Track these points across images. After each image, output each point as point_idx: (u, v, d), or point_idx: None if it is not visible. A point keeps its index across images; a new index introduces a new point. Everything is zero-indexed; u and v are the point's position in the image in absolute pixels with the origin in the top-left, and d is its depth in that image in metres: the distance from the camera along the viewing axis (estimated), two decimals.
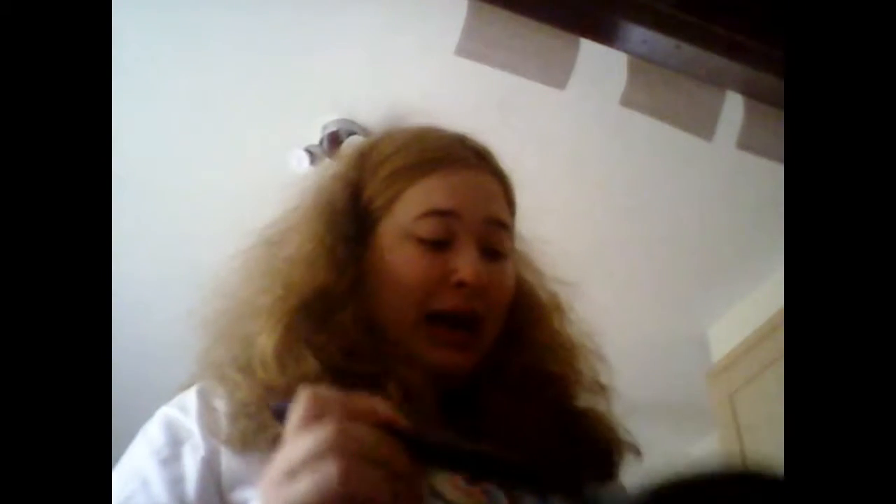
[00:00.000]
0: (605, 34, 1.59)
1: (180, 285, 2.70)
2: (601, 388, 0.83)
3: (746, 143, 1.73)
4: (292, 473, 0.48)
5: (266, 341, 0.71)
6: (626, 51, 1.62)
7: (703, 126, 1.68)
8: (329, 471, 0.47)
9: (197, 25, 1.84)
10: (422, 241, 0.76)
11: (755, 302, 2.61)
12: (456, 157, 0.81)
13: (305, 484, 0.47)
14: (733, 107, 1.71)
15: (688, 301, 2.72)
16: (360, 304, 0.75)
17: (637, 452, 0.81)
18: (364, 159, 0.83)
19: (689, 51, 1.58)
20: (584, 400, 0.82)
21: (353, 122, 2.06)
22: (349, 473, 0.47)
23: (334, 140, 2.06)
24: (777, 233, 2.23)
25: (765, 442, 2.20)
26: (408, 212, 0.78)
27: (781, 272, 2.43)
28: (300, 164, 2.05)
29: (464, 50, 1.55)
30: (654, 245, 2.48)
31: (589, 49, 1.59)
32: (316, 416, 0.49)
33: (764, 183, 2.13)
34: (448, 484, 0.67)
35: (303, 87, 1.99)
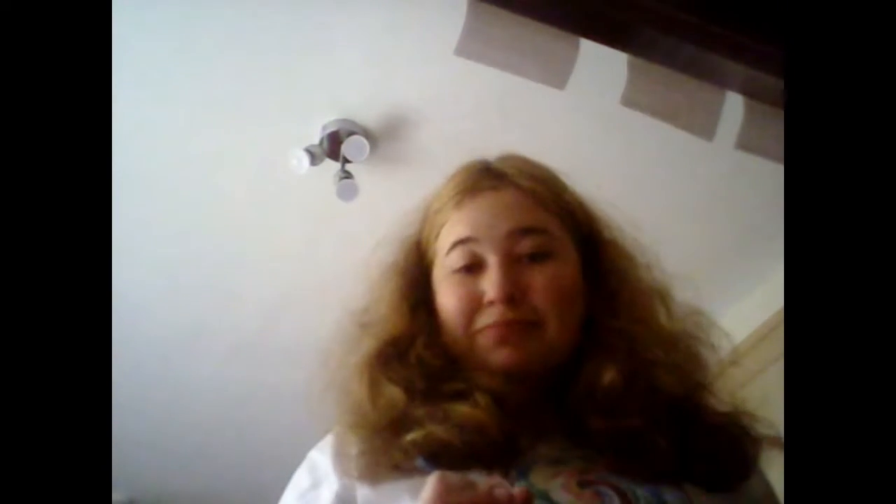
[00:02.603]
0: (605, 34, 1.59)
1: (180, 285, 2.71)
2: (709, 385, 0.89)
3: (746, 143, 1.73)
4: None
5: (357, 387, 0.83)
6: (626, 51, 1.62)
7: (703, 126, 1.68)
8: None
9: (197, 26, 1.84)
10: (456, 272, 0.85)
11: (755, 302, 2.60)
12: (473, 187, 0.88)
13: None
14: (733, 107, 1.71)
15: (688, 301, 2.71)
16: (433, 335, 0.85)
17: (779, 445, 0.84)
18: (423, 216, 0.93)
19: (689, 51, 1.58)
20: (708, 399, 0.88)
21: (353, 122, 2.06)
22: None
23: (334, 140, 2.06)
24: (777, 233, 2.22)
25: None
26: (441, 251, 0.87)
27: (781, 272, 2.43)
28: (300, 164, 2.05)
29: (464, 50, 1.54)
30: (654, 245, 2.48)
31: (589, 49, 1.59)
32: (444, 500, 0.62)
33: (764, 183, 2.13)
34: (561, 490, 0.73)
35: (303, 87, 1.99)
